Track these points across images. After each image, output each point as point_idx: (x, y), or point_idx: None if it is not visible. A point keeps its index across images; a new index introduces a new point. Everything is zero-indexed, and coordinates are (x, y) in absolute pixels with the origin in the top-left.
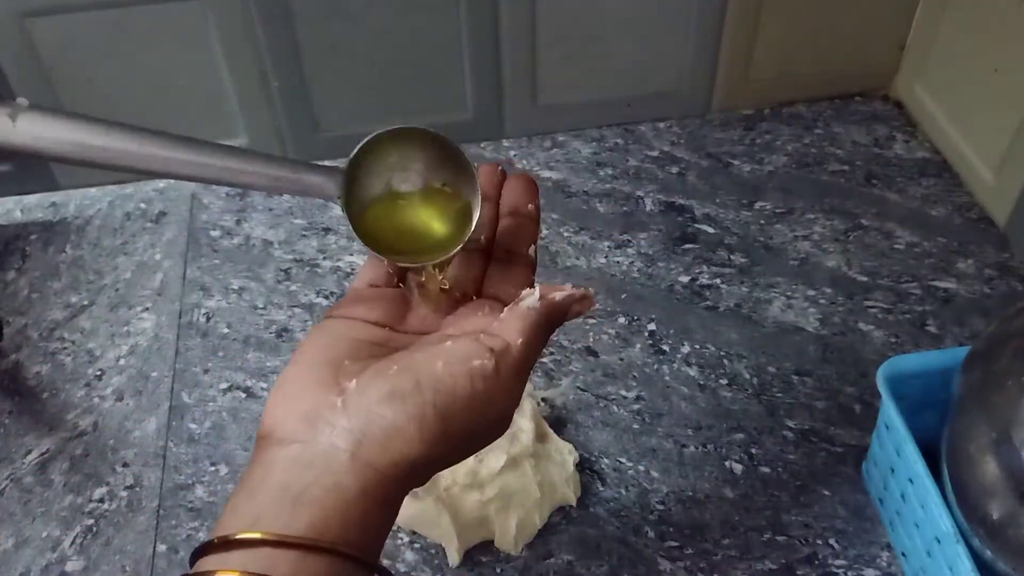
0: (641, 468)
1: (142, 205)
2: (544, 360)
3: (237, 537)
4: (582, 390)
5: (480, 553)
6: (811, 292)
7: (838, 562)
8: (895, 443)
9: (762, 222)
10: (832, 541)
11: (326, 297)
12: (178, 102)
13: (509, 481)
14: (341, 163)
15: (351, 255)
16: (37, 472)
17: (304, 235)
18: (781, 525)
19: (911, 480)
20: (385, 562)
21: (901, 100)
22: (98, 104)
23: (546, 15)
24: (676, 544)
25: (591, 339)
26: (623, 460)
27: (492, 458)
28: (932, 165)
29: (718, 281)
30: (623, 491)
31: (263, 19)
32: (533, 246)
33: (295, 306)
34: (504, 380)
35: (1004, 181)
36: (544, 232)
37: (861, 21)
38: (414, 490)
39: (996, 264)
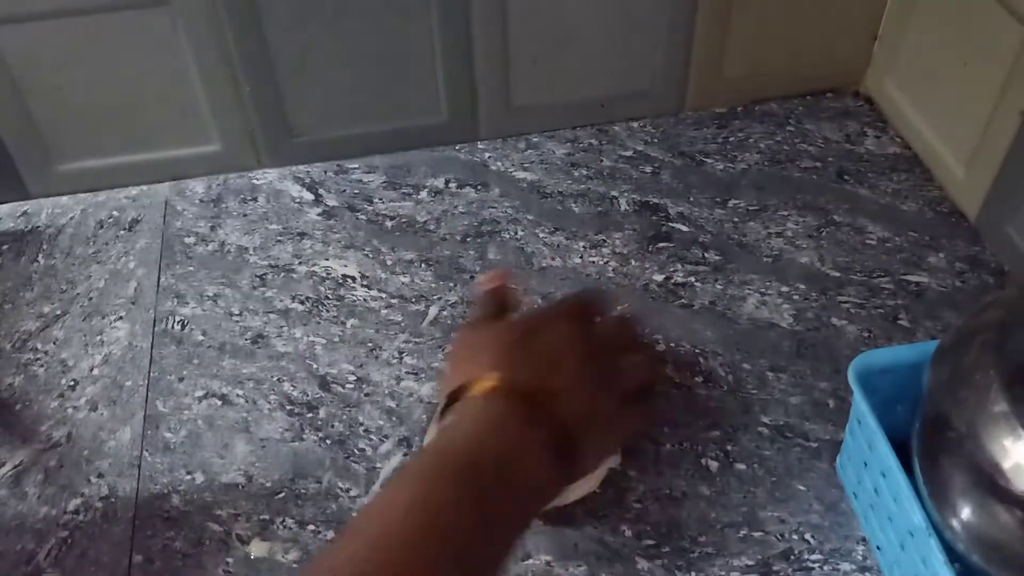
0: (618, 467)
1: (115, 213)
2: None
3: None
4: None
5: None
6: (785, 288)
7: (814, 556)
8: (867, 438)
9: (736, 220)
10: (808, 536)
11: (301, 303)
12: (149, 109)
13: None
14: (316, 167)
15: (326, 259)
16: (11, 485)
17: (279, 240)
18: (757, 521)
19: (883, 474)
20: None
21: (871, 96)
22: (68, 112)
23: (518, 18)
24: (653, 543)
25: None
26: None
27: None
28: (903, 160)
29: (692, 279)
30: (600, 490)
31: (232, 25)
32: None
33: (271, 312)
34: None
35: (974, 175)
36: (519, 233)
37: (831, 19)
38: None
39: (967, 258)
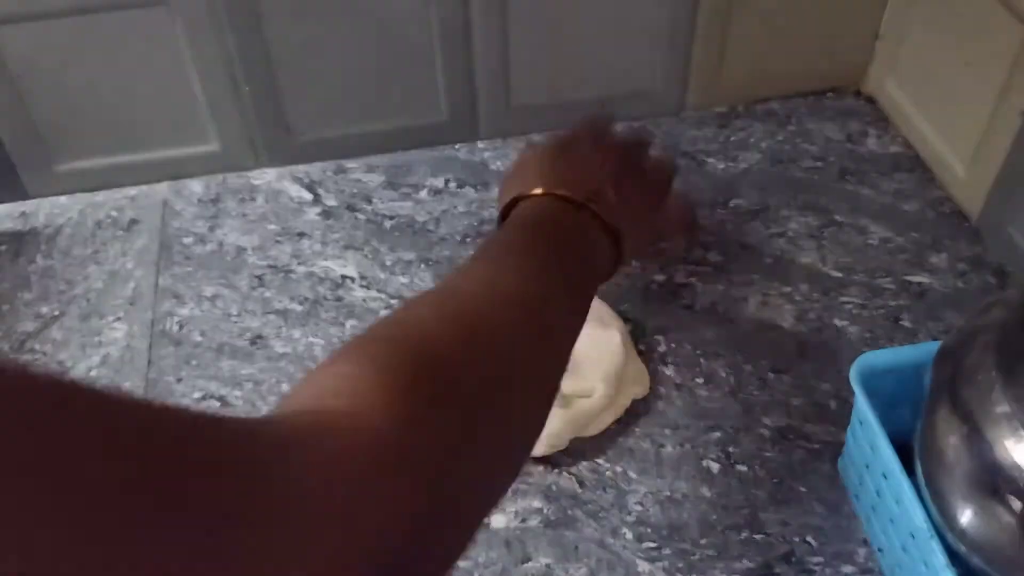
0: (619, 469)
1: (113, 213)
2: None
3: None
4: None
5: None
6: (786, 289)
7: (815, 559)
8: (869, 439)
9: (737, 220)
10: (809, 538)
11: (300, 303)
12: (148, 108)
13: None
14: (315, 167)
15: (325, 260)
16: None
17: (278, 241)
18: (759, 523)
19: (885, 476)
20: None
21: (873, 95)
22: (67, 112)
23: (518, 16)
24: (654, 545)
25: None
26: (600, 461)
27: None
28: (904, 160)
29: (694, 280)
30: (601, 492)
31: (232, 24)
32: None
33: (269, 313)
34: None
35: (976, 175)
36: None
37: (832, 18)
38: None
39: (968, 258)
